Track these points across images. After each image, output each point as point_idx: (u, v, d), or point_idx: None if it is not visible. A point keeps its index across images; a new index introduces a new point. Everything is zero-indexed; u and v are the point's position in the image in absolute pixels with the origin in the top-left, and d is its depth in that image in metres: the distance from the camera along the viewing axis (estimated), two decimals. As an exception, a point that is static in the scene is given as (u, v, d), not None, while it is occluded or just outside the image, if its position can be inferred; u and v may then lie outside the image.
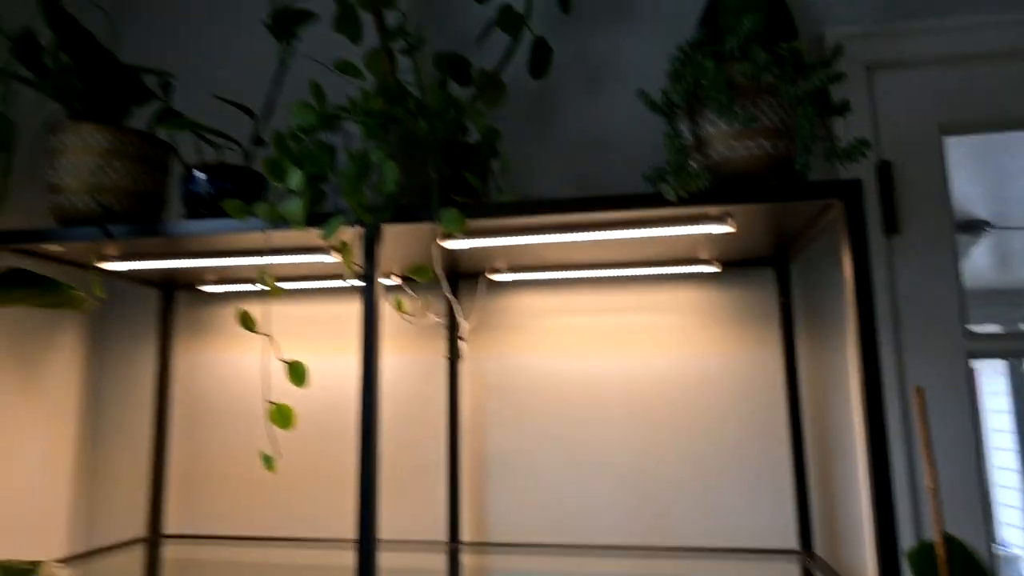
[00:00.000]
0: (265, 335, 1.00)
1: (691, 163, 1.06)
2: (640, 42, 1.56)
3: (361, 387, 1.01)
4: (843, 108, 1.07)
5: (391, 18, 1.41)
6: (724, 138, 1.02)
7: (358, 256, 1.10)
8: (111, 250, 1.21)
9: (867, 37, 1.48)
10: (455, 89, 1.48)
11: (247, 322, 1.01)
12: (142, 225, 1.11)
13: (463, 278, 1.51)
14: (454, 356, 1.46)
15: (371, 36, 1.47)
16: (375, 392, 1.01)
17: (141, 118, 1.64)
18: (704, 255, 1.33)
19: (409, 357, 1.51)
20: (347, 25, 1.41)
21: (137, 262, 1.28)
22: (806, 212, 1.06)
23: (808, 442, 1.37)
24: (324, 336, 1.55)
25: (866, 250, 0.95)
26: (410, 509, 1.47)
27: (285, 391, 1.52)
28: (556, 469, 1.43)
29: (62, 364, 1.58)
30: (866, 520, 1.29)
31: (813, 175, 1.43)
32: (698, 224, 1.07)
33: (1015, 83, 1.44)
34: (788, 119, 1.02)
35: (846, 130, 1.45)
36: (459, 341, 1.47)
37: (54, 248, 1.19)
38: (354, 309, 1.55)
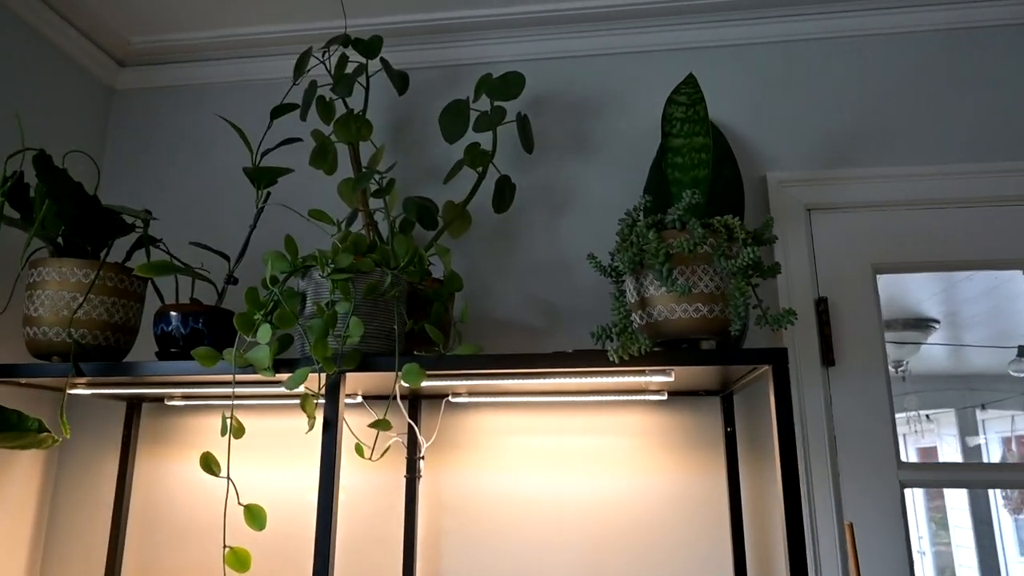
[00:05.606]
0: (226, 478, 1.04)
1: (635, 319, 1.15)
2: (598, 174, 1.67)
3: (317, 527, 1.05)
4: (773, 272, 1.17)
5: (365, 152, 1.51)
6: (665, 301, 1.11)
7: (322, 393, 1.16)
8: (82, 380, 1.25)
9: (806, 181, 1.61)
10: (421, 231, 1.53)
11: (210, 466, 1.05)
12: (113, 363, 1.16)
13: (425, 398, 1.57)
14: (413, 474, 1.50)
15: (345, 170, 1.56)
16: (332, 532, 1.05)
17: (121, 248, 1.70)
18: (652, 387, 1.41)
19: (372, 474, 1.55)
20: (322, 159, 1.50)
21: (108, 389, 1.32)
22: (741, 368, 1.15)
23: (750, 563, 1.43)
24: (287, 447, 1.59)
25: (790, 411, 1.03)
26: (365, 628, 1.48)
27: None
28: (509, 590, 1.47)
29: (23, 467, 1.59)
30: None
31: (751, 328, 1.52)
32: (642, 376, 1.15)
33: (944, 228, 1.57)
34: (724, 285, 1.11)
35: (786, 266, 1.56)
36: (418, 460, 1.51)
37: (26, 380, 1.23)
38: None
